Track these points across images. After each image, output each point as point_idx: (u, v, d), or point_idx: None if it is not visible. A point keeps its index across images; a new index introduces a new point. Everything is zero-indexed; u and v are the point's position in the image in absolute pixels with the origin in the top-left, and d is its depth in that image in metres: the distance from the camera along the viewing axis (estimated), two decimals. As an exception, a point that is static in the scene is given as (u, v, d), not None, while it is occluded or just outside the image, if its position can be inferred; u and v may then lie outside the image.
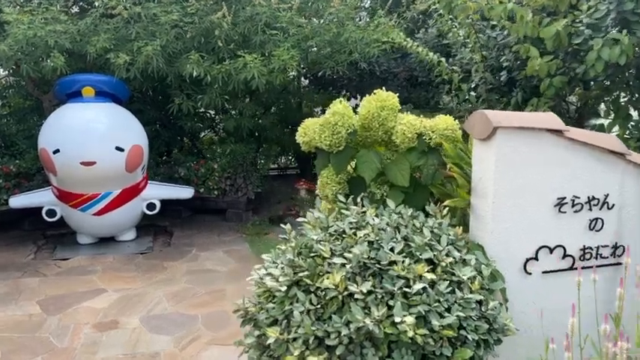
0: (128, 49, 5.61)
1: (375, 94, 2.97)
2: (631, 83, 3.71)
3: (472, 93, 5.38)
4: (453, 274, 2.36)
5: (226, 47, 5.88)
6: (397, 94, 3.05)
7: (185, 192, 6.53)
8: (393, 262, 2.31)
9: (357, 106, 8.16)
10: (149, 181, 6.26)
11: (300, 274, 2.39)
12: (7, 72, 7.32)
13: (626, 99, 3.87)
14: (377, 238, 2.43)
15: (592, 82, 4.21)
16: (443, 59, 5.35)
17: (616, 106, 3.95)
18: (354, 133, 2.90)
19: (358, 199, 2.72)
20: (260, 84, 5.65)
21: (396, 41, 5.55)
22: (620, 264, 2.74)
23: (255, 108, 6.53)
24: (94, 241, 6.11)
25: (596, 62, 3.50)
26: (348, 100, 8.07)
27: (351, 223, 2.60)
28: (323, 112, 8.55)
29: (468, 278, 2.31)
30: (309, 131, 3.07)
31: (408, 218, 2.60)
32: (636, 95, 3.75)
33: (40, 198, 5.89)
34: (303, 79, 7.89)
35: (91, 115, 5.41)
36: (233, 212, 7.04)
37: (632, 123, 3.87)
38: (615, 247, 2.72)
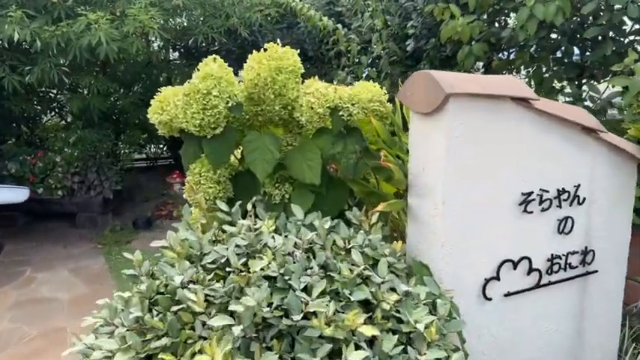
0: None
1: (265, 50, 2.02)
2: (563, 50, 3.18)
3: (371, 68, 4.65)
4: (401, 322, 1.52)
5: (63, 3, 4.51)
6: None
7: (17, 194, 5.02)
8: (310, 314, 1.41)
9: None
10: (-39, 182, 4.70)
11: (155, 346, 1.40)
12: None
13: (550, 71, 3.36)
14: (281, 271, 1.52)
15: (513, 50, 3.67)
16: (339, 26, 4.54)
17: (538, 78, 3.43)
18: (238, 107, 1.94)
19: (248, 206, 1.77)
20: (110, 51, 4.39)
21: (283, 2, 4.61)
22: (589, 273, 2.13)
23: (109, 85, 5.20)
24: None
25: (527, 22, 2.89)
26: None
27: (239, 247, 1.65)
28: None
29: (425, 326, 1.49)
30: (170, 106, 2.04)
31: (325, 233, 1.72)
32: (563, 67, 3.25)
33: None
34: (171, 50, 6.63)
35: None
36: (85, 217, 5.66)
37: (558, 99, 3.38)
38: (585, 252, 2.10)
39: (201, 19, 5.25)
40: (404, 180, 1.88)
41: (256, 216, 1.85)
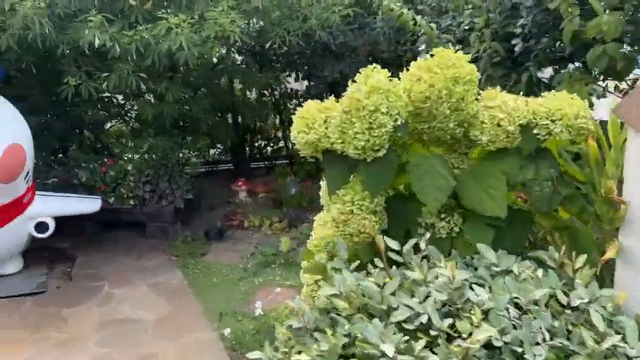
0: (-4, 7, 3.89)
1: (432, 55, 1.71)
2: None
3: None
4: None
5: (141, 7, 4.32)
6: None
7: (89, 204, 4.89)
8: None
9: (308, 90, 6.78)
10: (37, 193, 4.56)
11: None
12: None
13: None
14: (506, 339, 1.19)
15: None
16: (433, 25, 4.19)
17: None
18: (403, 125, 1.63)
19: (413, 245, 1.46)
20: (190, 57, 4.18)
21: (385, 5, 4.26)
22: None
23: (183, 91, 5.01)
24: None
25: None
26: (296, 81, 6.75)
27: (436, 302, 1.33)
28: (260, 94, 7.16)
29: None
30: (316, 124, 1.75)
31: (537, 283, 1.39)
32: None
33: None
34: (236, 53, 6.40)
35: None
36: (156, 226, 5.48)
37: None
38: None
39: (277, 21, 4.99)
40: (622, 215, 1.53)
41: (425, 258, 1.54)
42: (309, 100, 1.88)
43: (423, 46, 4.41)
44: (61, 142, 5.92)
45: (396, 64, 5.97)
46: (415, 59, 5.24)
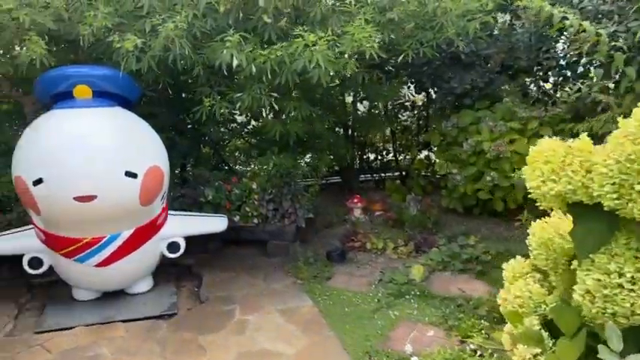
0: (138, 29, 3.92)
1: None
2: None
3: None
4: None
5: (275, 24, 4.19)
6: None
7: (218, 223, 4.86)
8: None
9: (429, 100, 6.41)
10: (169, 212, 4.58)
11: None
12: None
13: None
14: None
15: None
16: (603, 32, 3.67)
17: None
18: None
19: None
20: (323, 74, 3.98)
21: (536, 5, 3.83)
22: None
23: (311, 109, 4.84)
24: (96, 296, 4.44)
25: None
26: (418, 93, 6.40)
27: None
28: (371, 106, 6.87)
29: None
30: (570, 171, 1.40)
31: None
32: None
33: (19, 242, 4.21)
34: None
35: (88, 125, 3.72)
36: (276, 244, 5.36)
37: None
38: None
39: (409, 32, 4.67)
40: None
41: None
42: (546, 139, 1.54)
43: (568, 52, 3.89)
44: (184, 159, 6.01)
45: (534, 74, 5.47)
46: (558, 67, 4.68)
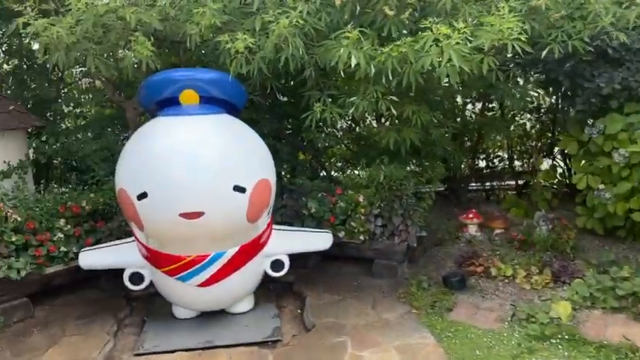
0: (247, 28, 3.55)
1: None
2: None
3: None
4: None
5: (398, 17, 3.66)
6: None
7: (323, 240, 4.42)
8: None
9: (560, 101, 5.43)
10: (273, 227, 4.19)
11: None
12: (80, 70, 5.58)
13: None
14: None
15: None
16: None
17: None
18: None
19: None
20: (453, 74, 3.39)
21: None
22: None
23: (434, 115, 4.26)
24: (196, 314, 4.15)
25: None
26: (555, 94, 5.58)
27: None
28: (484, 108, 6.15)
29: None
30: None
31: None
32: None
33: (121, 256, 4.00)
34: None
35: (196, 135, 3.40)
36: (383, 264, 4.82)
37: None
38: None
39: (554, 23, 3.94)
40: None
41: None
42: None
43: None
44: (281, 168, 5.64)
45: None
46: None
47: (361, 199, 4.72)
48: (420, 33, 3.43)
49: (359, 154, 5.57)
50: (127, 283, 3.98)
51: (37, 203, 4.38)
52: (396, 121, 4.47)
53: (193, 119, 3.41)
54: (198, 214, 3.23)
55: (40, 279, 4.27)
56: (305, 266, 4.99)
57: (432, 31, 3.38)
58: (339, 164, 6.19)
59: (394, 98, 3.81)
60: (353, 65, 3.40)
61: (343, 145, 5.74)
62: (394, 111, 3.83)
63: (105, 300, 4.52)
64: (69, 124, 5.94)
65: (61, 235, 4.33)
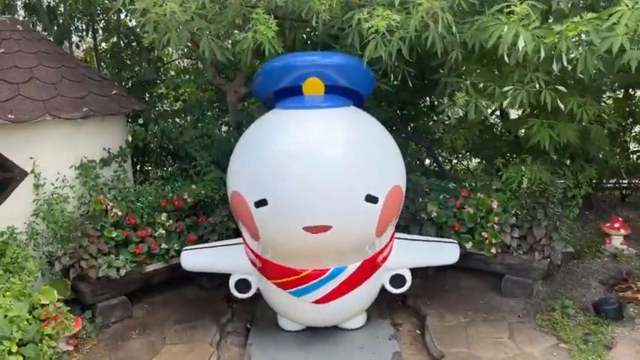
0: (382, 3, 2.93)
1: None
2: None
3: None
4: None
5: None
6: None
7: (449, 253, 3.78)
8: None
9: None
10: (395, 235, 3.61)
11: None
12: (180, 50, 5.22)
13: None
14: None
15: None
16: None
17: None
18: None
19: None
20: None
21: None
22: None
23: (598, 107, 3.46)
24: (302, 328, 3.69)
25: None
26: None
27: None
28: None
29: None
30: None
31: None
32: None
33: (228, 260, 3.60)
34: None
35: (324, 133, 2.85)
36: (515, 281, 4.12)
37: None
38: None
39: None
40: None
41: None
42: None
43: None
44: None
45: None
46: None
47: (494, 205, 4.02)
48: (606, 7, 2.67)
49: (483, 146, 4.83)
50: (233, 290, 3.58)
51: (137, 195, 4.07)
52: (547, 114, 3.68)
53: (320, 113, 2.88)
54: (325, 228, 2.71)
55: (139, 277, 3.99)
56: (419, 276, 4.37)
57: (627, 5, 2.61)
58: (456, 157, 5.48)
59: (561, 88, 3.07)
60: (521, 48, 2.70)
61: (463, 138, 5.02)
62: (561, 104, 3.08)
63: (205, 300, 4.19)
64: (166, 107, 5.63)
65: (163, 231, 4.02)
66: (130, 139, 4.52)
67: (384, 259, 3.41)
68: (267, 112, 3.12)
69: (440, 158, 5.64)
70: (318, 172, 2.67)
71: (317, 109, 2.87)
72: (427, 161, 5.52)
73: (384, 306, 4.03)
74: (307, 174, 2.66)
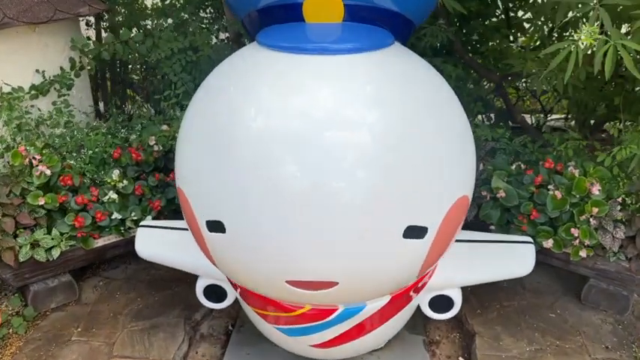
0: None
1: None
2: None
3: None
4: None
5: None
6: None
7: (518, 259, 2.56)
8: None
9: None
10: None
11: None
12: None
13: None
14: None
15: None
16: None
17: None
18: None
19: None
20: None
21: None
22: None
23: None
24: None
25: None
26: None
27: None
28: None
29: None
30: None
31: None
32: None
33: (196, 257, 2.43)
34: None
35: (333, 110, 1.49)
36: (603, 290, 2.94)
37: None
38: None
39: None
40: None
41: None
42: None
43: None
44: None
45: None
46: None
47: (595, 189, 2.69)
48: None
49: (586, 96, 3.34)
50: (201, 299, 2.50)
51: (76, 142, 2.88)
52: None
53: (333, 64, 1.50)
54: (327, 285, 1.50)
55: (84, 255, 2.94)
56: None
57: None
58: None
59: None
60: None
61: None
62: None
63: (177, 282, 3.14)
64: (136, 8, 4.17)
65: (114, 195, 2.87)
66: (78, 57, 3.24)
67: (425, 284, 2.22)
68: (244, 48, 1.77)
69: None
70: (319, 189, 1.39)
71: (328, 55, 1.51)
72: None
73: (416, 314, 2.91)
74: (298, 191, 1.40)
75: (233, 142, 1.47)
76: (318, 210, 1.42)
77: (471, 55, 3.53)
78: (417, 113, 1.53)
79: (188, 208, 1.65)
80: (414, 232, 1.50)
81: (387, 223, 1.46)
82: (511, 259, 2.54)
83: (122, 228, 2.93)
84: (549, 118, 4.84)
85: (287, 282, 1.53)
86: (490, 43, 3.57)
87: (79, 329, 2.84)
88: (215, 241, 1.60)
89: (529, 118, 4.61)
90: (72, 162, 2.76)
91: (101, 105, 4.19)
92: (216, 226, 1.53)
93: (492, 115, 4.22)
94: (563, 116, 4.93)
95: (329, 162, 1.44)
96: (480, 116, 3.81)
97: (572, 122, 4.11)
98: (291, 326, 2.04)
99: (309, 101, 1.47)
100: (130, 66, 4.06)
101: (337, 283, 1.52)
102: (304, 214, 1.41)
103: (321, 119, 1.44)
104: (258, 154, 1.43)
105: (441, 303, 2.41)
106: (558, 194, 2.74)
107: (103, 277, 3.27)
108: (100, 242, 2.94)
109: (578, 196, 2.73)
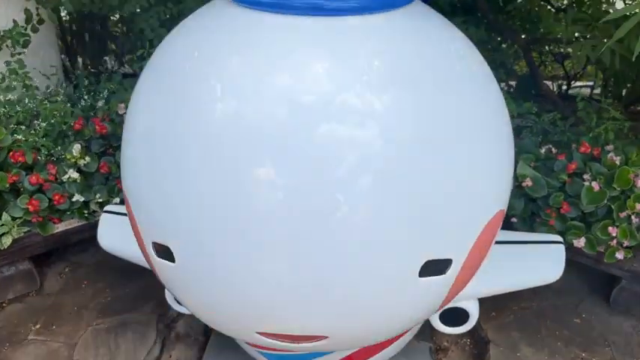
0: None
1: None
2: None
3: None
4: None
5: None
6: None
7: (546, 263, 2.16)
8: None
9: None
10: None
11: None
12: None
13: None
14: None
15: None
16: None
17: None
18: None
19: None
20: None
21: None
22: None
23: None
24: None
25: None
26: None
27: None
28: None
29: None
30: None
31: None
32: None
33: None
34: None
35: (331, 95, 1.04)
36: (635, 293, 2.57)
37: None
38: None
39: None
40: None
41: None
42: None
43: None
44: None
45: None
46: None
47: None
48: None
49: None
50: (172, 302, 2.13)
51: (27, 111, 2.44)
52: None
53: (333, 30, 1.05)
54: (314, 339, 1.11)
55: (43, 241, 2.56)
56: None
57: None
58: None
59: None
60: None
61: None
62: None
63: (150, 273, 2.76)
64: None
65: (75, 175, 2.46)
66: (35, 9, 2.75)
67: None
68: (209, 4, 1.31)
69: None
70: (304, 206, 0.98)
71: (323, 16, 1.05)
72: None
73: (424, 328, 2.54)
74: (274, 208, 0.98)
75: (183, 136, 1.04)
76: (301, 236, 1.01)
77: (494, 15, 3.02)
78: (445, 101, 1.09)
79: (134, 222, 1.24)
80: (434, 267, 1.09)
81: (399, 257, 1.05)
82: (540, 262, 2.15)
83: (86, 211, 2.54)
84: (572, 85, 4.40)
85: (258, 333, 1.14)
86: (518, 0, 3.06)
87: (38, 326, 2.50)
88: (165, 271, 1.21)
89: (551, 85, 4.15)
90: (21, 136, 2.32)
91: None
92: (164, 252, 1.12)
93: (513, 84, 3.77)
94: (587, 84, 4.48)
95: (320, 167, 1.01)
96: (502, 85, 3.34)
97: (600, 92, 3.65)
98: (272, 352, 1.67)
99: (296, 81, 1.03)
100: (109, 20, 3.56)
101: (327, 337, 1.13)
102: (281, 242, 1.00)
103: (311, 106, 1.00)
104: (219, 154, 0.99)
105: (452, 314, 2.04)
106: (595, 186, 2.33)
107: (71, 261, 2.91)
108: (60, 227, 2.55)
109: (618, 188, 2.31)
